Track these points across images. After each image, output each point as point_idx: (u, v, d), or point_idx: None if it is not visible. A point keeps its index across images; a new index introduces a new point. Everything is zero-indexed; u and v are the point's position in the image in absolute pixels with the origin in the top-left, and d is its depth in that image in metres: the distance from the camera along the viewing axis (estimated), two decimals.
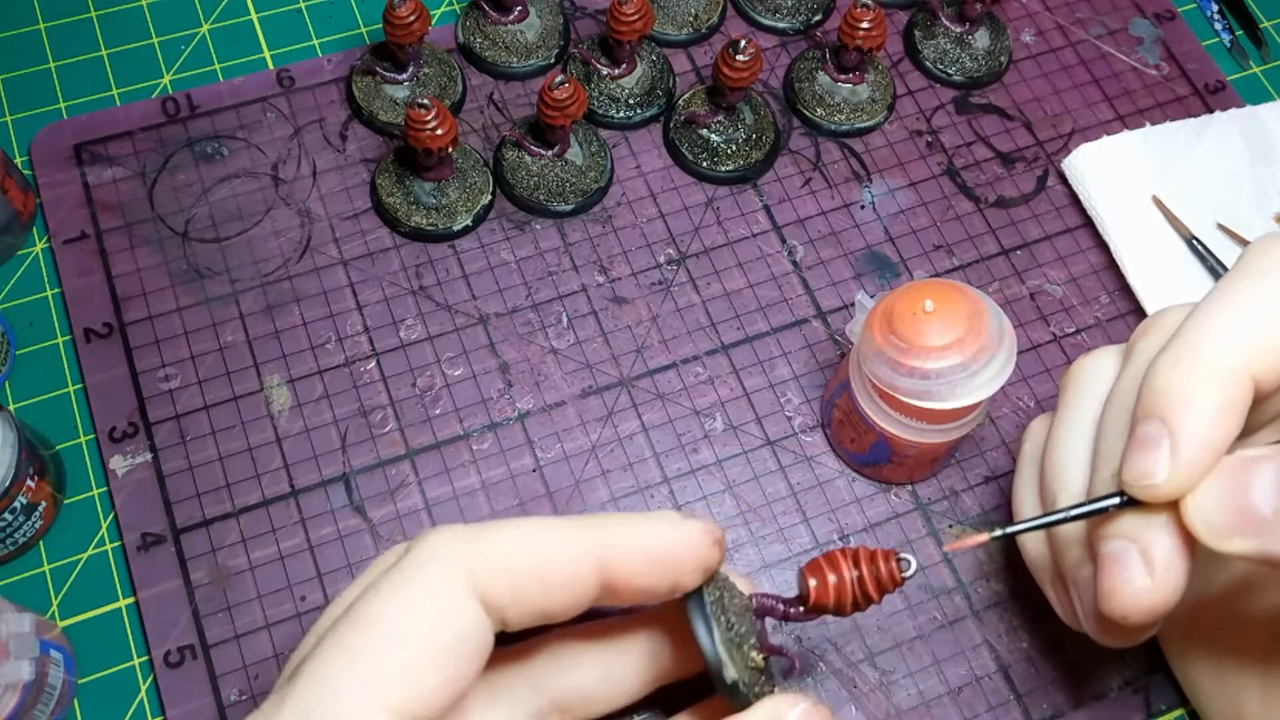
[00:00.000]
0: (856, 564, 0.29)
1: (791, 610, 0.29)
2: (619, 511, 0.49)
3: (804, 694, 0.28)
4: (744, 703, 0.28)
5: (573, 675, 0.30)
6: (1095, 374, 0.39)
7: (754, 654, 0.29)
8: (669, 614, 0.33)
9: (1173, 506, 0.30)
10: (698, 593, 0.29)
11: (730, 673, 0.27)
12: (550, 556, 0.27)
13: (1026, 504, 0.42)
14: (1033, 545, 0.41)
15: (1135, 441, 0.30)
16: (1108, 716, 0.47)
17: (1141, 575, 0.30)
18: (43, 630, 0.43)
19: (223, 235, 0.54)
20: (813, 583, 0.30)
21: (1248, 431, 0.33)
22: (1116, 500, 0.31)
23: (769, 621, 0.31)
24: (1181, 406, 0.29)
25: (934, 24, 0.61)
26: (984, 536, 0.33)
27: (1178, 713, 0.47)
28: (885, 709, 0.46)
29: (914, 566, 0.28)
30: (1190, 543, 0.30)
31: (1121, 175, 0.58)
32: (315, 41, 0.61)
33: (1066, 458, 0.37)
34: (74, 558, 0.48)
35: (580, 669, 0.30)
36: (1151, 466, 0.29)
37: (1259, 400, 0.30)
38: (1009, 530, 0.34)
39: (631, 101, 0.58)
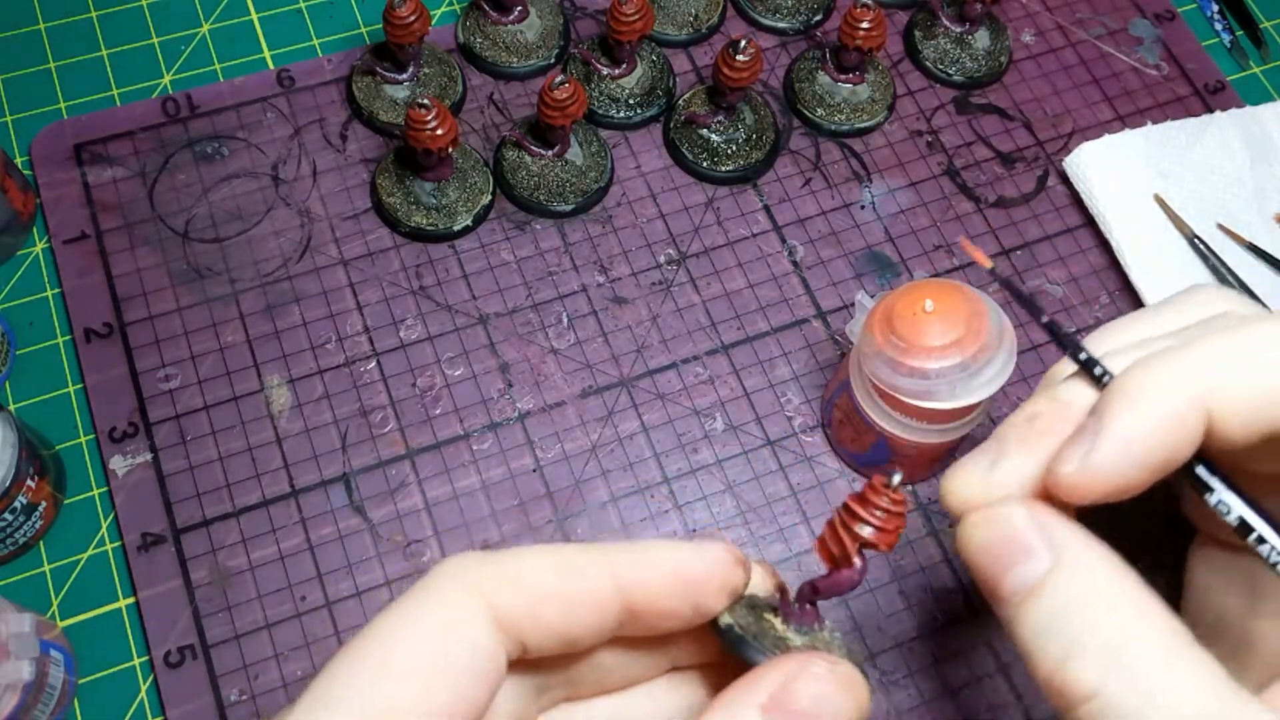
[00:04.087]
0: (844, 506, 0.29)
1: (817, 582, 0.28)
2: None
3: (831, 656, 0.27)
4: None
5: (593, 653, 0.29)
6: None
7: (780, 625, 0.28)
8: None
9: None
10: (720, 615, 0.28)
11: (757, 655, 0.27)
12: (568, 576, 0.27)
13: None
14: None
15: (1073, 433, 0.29)
16: None
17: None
18: (43, 630, 0.43)
19: (223, 235, 0.54)
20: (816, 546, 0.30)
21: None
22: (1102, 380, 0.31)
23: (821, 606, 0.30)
24: (1120, 405, 0.28)
25: (934, 24, 0.61)
26: (987, 263, 0.33)
27: None
28: (885, 709, 0.46)
29: (897, 477, 0.28)
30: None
31: (1123, 174, 0.58)
32: (315, 41, 0.60)
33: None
34: (74, 558, 0.48)
35: (602, 649, 0.29)
36: (1072, 454, 0.28)
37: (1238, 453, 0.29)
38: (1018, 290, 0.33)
39: (631, 101, 0.58)
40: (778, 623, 0.28)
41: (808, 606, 0.29)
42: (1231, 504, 0.29)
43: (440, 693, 0.25)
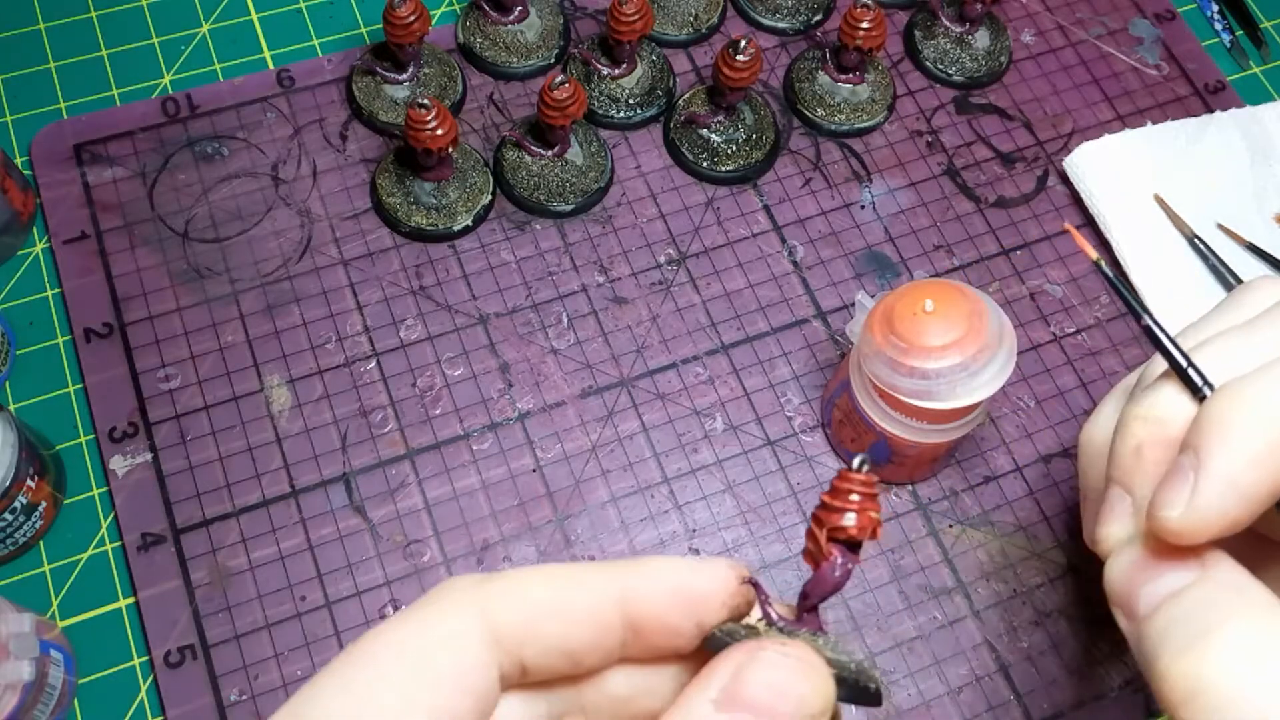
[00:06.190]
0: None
1: (805, 585, 0.28)
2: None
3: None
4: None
5: (603, 677, 0.29)
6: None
7: (764, 629, 0.28)
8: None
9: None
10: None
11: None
12: (568, 588, 0.26)
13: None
14: (1099, 434, 0.37)
15: (1170, 470, 0.28)
16: (1108, 716, 0.47)
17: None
18: (43, 630, 0.43)
19: (223, 235, 0.54)
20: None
21: None
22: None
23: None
24: (1218, 440, 0.27)
25: (934, 24, 0.61)
26: (1093, 254, 0.32)
27: None
28: (886, 709, 0.46)
29: (858, 460, 0.27)
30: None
31: (1123, 173, 0.58)
32: (315, 41, 0.60)
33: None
34: (74, 558, 0.48)
35: (612, 672, 0.29)
36: (1174, 498, 0.27)
37: None
38: (1128, 297, 0.32)
39: (631, 101, 0.58)
40: (763, 627, 0.28)
41: (805, 614, 0.28)
42: None
43: (422, 704, 0.24)
